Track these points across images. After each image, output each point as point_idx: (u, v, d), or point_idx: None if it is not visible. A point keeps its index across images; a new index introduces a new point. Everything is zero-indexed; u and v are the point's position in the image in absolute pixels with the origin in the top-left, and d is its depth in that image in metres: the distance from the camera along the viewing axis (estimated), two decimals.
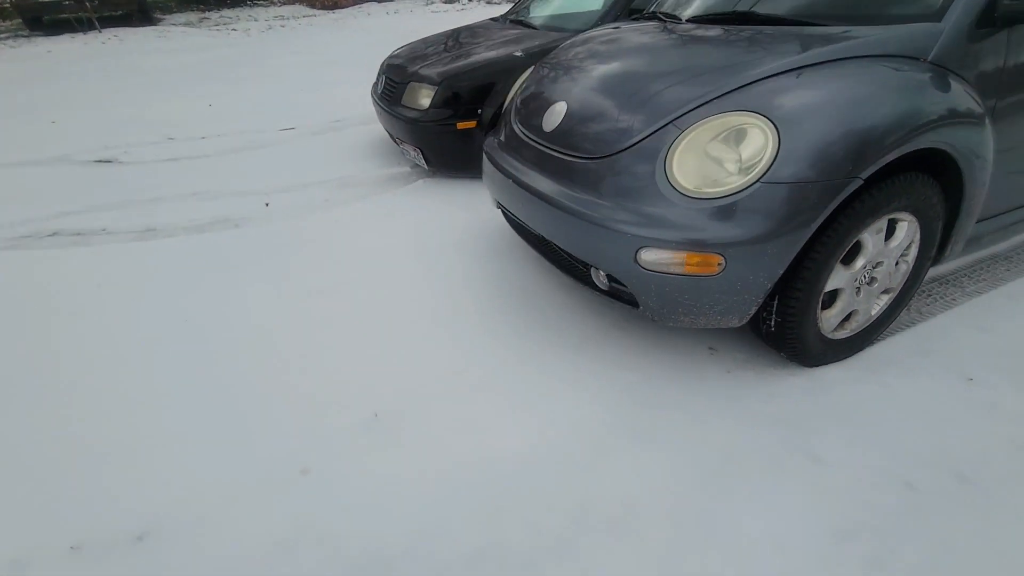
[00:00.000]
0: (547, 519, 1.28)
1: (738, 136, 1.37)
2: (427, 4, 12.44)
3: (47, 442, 1.53)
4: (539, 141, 1.84)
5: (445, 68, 3.09)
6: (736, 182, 1.34)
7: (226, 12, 13.10)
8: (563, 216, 1.62)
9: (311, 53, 7.57)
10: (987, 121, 1.49)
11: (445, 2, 12.38)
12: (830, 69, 1.43)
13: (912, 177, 1.44)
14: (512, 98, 2.25)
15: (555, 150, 1.75)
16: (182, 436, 1.54)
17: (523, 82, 2.27)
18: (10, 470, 1.45)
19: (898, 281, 1.66)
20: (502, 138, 2.14)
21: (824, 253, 1.41)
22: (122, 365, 1.83)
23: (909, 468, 1.35)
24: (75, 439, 1.53)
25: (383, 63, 3.74)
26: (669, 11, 2.19)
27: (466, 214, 2.87)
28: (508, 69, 2.99)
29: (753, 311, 1.49)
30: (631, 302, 1.62)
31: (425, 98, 3.08)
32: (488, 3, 11.71)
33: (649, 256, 1.43)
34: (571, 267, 1.82)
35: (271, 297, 2.18)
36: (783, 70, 1.46)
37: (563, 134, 1.75)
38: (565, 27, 3.33)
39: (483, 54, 3.15)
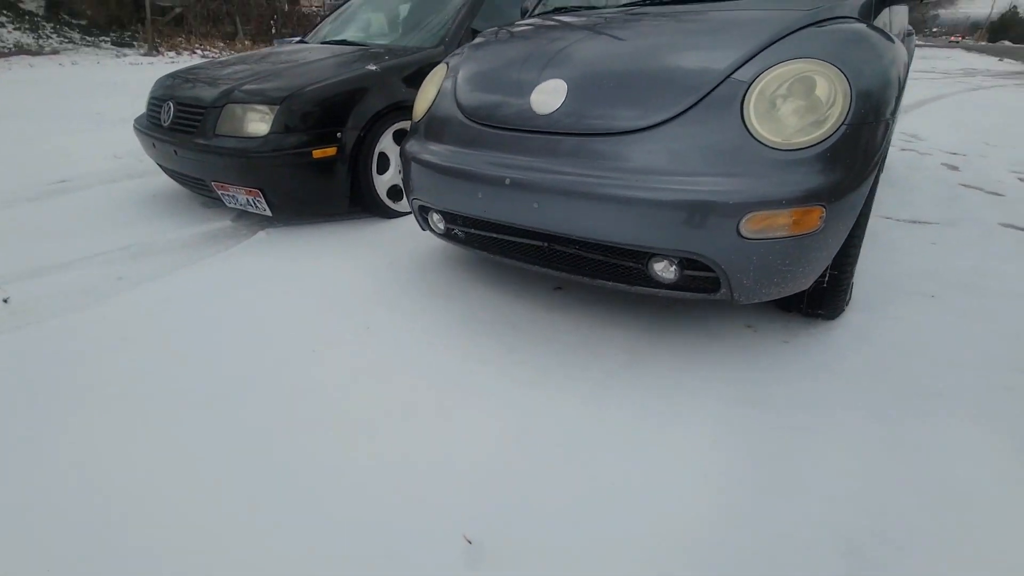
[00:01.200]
0: (813, 558, 0.93)
1: (806, 83, 1.31)
2: (119, 56, 10.21)
3: None
4: (532, 129, 1.50)
5: (280, 84, 2.42)
6: (822, 128, 1.27)
7: None
8: (610, 203, 1.32)
9: None
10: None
11: (145, 55, 10.37)
12: (818, 30, 1.50)
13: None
14: (437, 95, 1.83)
15: (567, 133, 1.44)
16: None
17: (442, 76, 1.87)
18: None
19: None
20: (441, 137, 1.71)
21: (872, 191, 1.45)
22: None
23: (994, 373, 1.44)
24: None
25: (155, 92, 2.78)
26: (577, 3, 2.11)
27: (361, 256, 2.24)
28: (366, 85, 2.50)
29: (827, 265, 1.44)
30: (706, 288, 1.40)
31: (259, 123, 2.34)
32: (203, 57, 10.26)
33: (753, 224, 1.25)
34: (603, 268, 1.51)
35: (141, 422, 1.25)
36: (784, 33, 1.46)
37: (574, 113, 1.45)
38: (400, 44, 3.00)
39: (323, 68, 2.58)
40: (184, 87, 2.65)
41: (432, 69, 2.04)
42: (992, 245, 2.34)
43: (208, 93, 2.47)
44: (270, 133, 2.31)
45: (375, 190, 2.62)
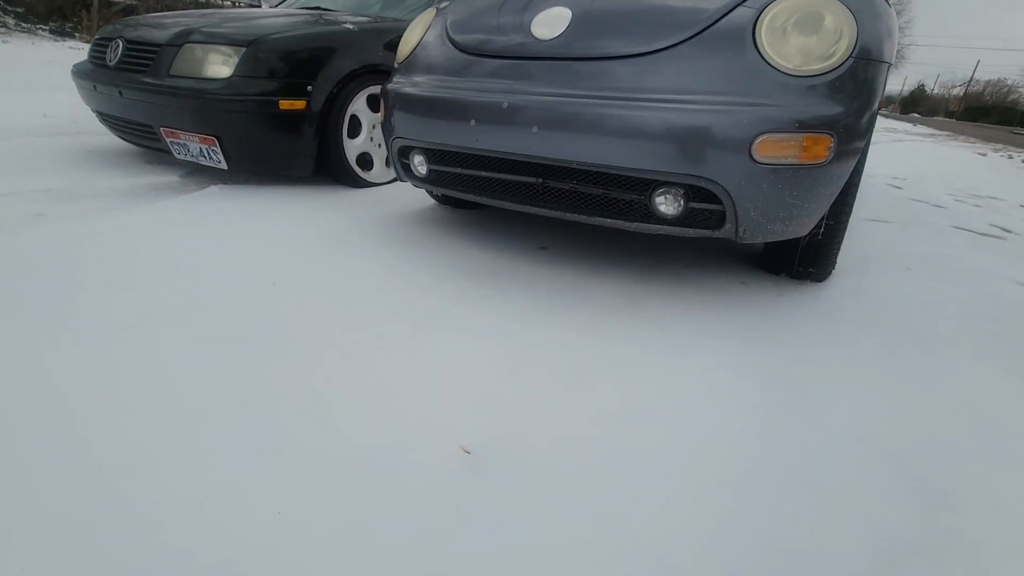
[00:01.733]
0: (855, 472, 0.84)
1: (814, 16, 1.30)
2: (57, 40, 9.54)
3: None
4: (532, 55, 1.43)
5: (248, 27, 2.25)
6: (832, 58, 1.26)
7: None
8: (618, 123, 1.25)
9: None
10: None
11: (87, 42, 9.76)
12: None
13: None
14: (424, 33, 1.73)
15: (572, 58, 1.37)
16: None
17: (431, 18, 1.78)
18: None
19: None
20: (435, 68, 1.61)
21: (867, 141, 1.45)
22: None
23: (979, 324, 1.45)
24: None
25: (105, 31, 2.54)
26: None
27: (326, 213, 2.07)
28: (343, 41, 2.37)
29: (825, 211, 1.42)
30: (710, 224, 1.34)
31: (222, 65, 2.16)
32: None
33: (765, 148, 1.20)
34: (602, 204, 1.42)
35: (67, 344, 1.02)
36: None
37: (579, 37, 1.39)
38: (382, 15, 2.90)
39: (296, 20, 2.44)
40: (137, 28, 2.43)
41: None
42: (946, 239, 2.45)
43: (164, 34, 2.27)
44: (233, 76, 2.13)
45: (344, 154, 2.46)
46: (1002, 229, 2.85)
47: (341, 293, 1.37)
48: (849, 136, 1.28)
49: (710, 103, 1.22)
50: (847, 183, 1.44)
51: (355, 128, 2.50)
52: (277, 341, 1.12)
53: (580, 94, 1.31)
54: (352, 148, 2.49)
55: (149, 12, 12.62)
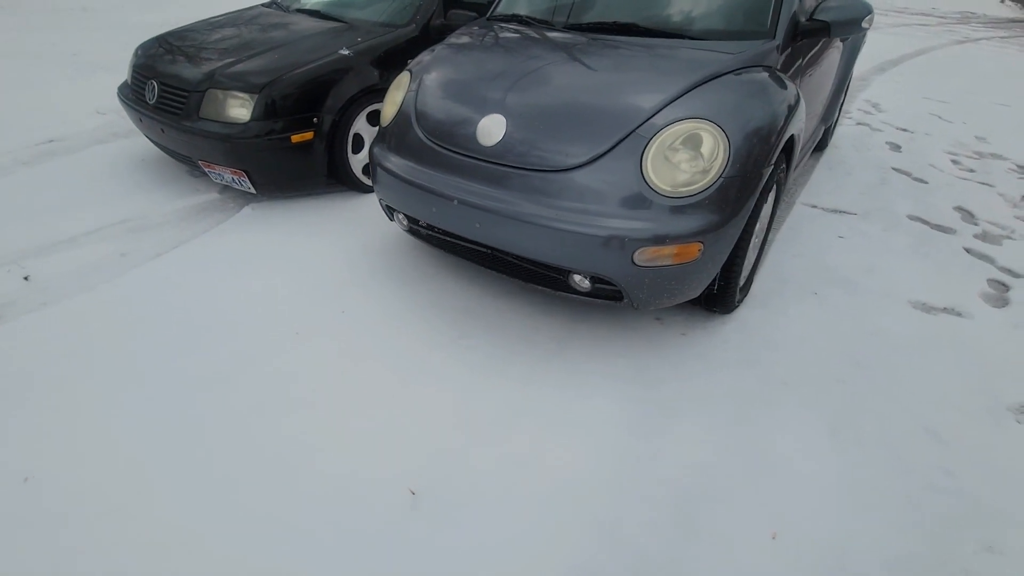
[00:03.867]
0: (653, 512, 1.36)
1: (694, 140, 1.59)
2: None
3: None
4: (477, 156, 1.77)
5: (258, 69, 2.58)
6: (704, 179, 1.57)
7: None
8: (543, 231, 1.63)
9: None
10: (803, 103, 2.03)
11: None
12: (727, 82, 1.76)
13: (780, 157, 1.91)
14: (403, 106, 2.05)
15: (505, 165, 1.72)
16: None
17: (406, 89, 2.09)
18: None
19: (763, 232, 2.19)
20: (404, 150, 1.97)
21: (751, 225, 1.78)
22: None
23: (830, 368, 1.86)
24: None
25: (137, 60, 2.90)
26: (535, 16, 2.29)
27: (334, 237, 2.54)
28: (340, 70, 2.68)
29: (711, 280, 1.79)
30: (614, 297, 1.75)
31: (241, 109, 2.54)
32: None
33: (643, 255, 1.58)
34: (536, 276, 1.84)
35: (150, 404, 1.61)
36: (697, 82, 1.73)
37: (511, 149, 1.72)
38: (372, 20, 3.10)
39: (297, 51, 2.72)
40: (166, 61, 2.78)
41: (399, 52, 2.36)
42: (890, 239, 2.69)
43: (191, 74, 2.63)
44: (250, 120, 2.51)
45: (351, 168, 2.86)
46: (964, 213, 3.01)
47: (347, 341, 1.90)
48: (721, 235, 1.63)
49: (603, 219, 1.58)
50: (733, 256, 1.79)
51: (358, 144, 2.87)
52: (302, 392, 1.67)
53: (509, 200, 1.68)
54: (356, 161, 2.89)
55: None
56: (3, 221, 2.51)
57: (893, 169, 3.57)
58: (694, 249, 1.60)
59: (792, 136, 1.94)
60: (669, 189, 1.57)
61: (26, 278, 2.17)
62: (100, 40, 5.25)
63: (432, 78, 2.04)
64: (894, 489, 1.45)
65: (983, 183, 3.48)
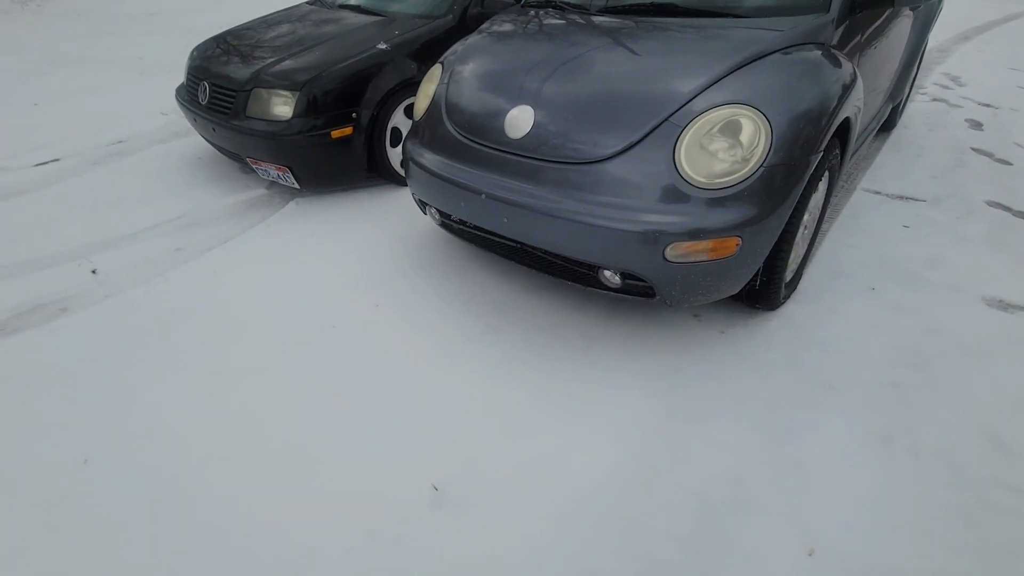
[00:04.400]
0: (674, 521, 1.31)
1: (732, 127, 1.50)
2: None
3: None
4: (505, 149, 1.74)
5: (299, 67, 2.65)
6: (743, 169, 1.48)
7: None
8: (568, 224, 1.58)
9: (15, 52, 5.69)
10: (860, 81, 1.87)
11: None
12: (773, 62, 1.64)
13: (833, 142, 1.77)
14: (434, 100, 2.05)
15: (533, 158, 1.68)
16: None
17: (438, 82, 2.08)
18: None
19: (814, 223, 2.04)
20: (434, 144, 1.96)
21: (798, 216, 1.66)
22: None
23: (884, 371, 1.72)
24: None
25: (192, 62, 3.04)
26: (574, 0, 2.22)
27: (373, 231, 2.58)
28: (378, 64, 2.70)
29: (752, 276, 1.69)
30: (646, 294, 1.69)
31: (284, 106, 2.61)
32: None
33: (676, 250, 1.50)
34: (567, 271, 1.80)
35: (190, 394, 1.70)
36: (738, 64, 1.62)
37: (538, 141, 1.68)
38: (410, 13, 3.10)
39: (337, 48, 2.77)
40: (218, 63, 2.90)
41: (436, 43, 2.41)
42: (963, 228, 2.46)
43: (238, 74, 2.73)
44: (293, 117, 2.59)
45: (389, 162, 2.90)
46: None
47: (380, 334, 1.93)
48: (761, 229, 1.53)
49: (633, 212, 1.52)
50: (777, 248, 1.68)
51: (397, 137, 2.90)
52: (331, 385, 1.72)
53: (537, 194, 1.64)
54: (395, 155, 2.92)
55: None
56: (75, 218, 2.72)
57: (972, 149, 3.25)
58: (731, 244, 1.51)
59: (847, 119, 1.79)
60: (704, 180, 1.49)
61: (94, 271, 2.34)
62: (163, 44, 5.55)
63: (462, 70, 2.02)
64: (949, 505, 1.32)
65: None
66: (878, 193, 2.78)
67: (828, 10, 1.79)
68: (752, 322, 1.93)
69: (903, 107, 3.61)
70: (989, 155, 3.18)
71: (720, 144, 1.50)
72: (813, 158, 1.57)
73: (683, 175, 1.50)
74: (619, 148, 1.56)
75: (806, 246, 2.05)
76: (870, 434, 1.51)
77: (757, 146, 1.48)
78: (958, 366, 1.73)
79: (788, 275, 1.96)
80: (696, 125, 1.51)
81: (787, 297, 2.01)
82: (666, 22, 1.92)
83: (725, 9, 1.91)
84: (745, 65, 1.64)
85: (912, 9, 2.66)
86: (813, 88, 1.59)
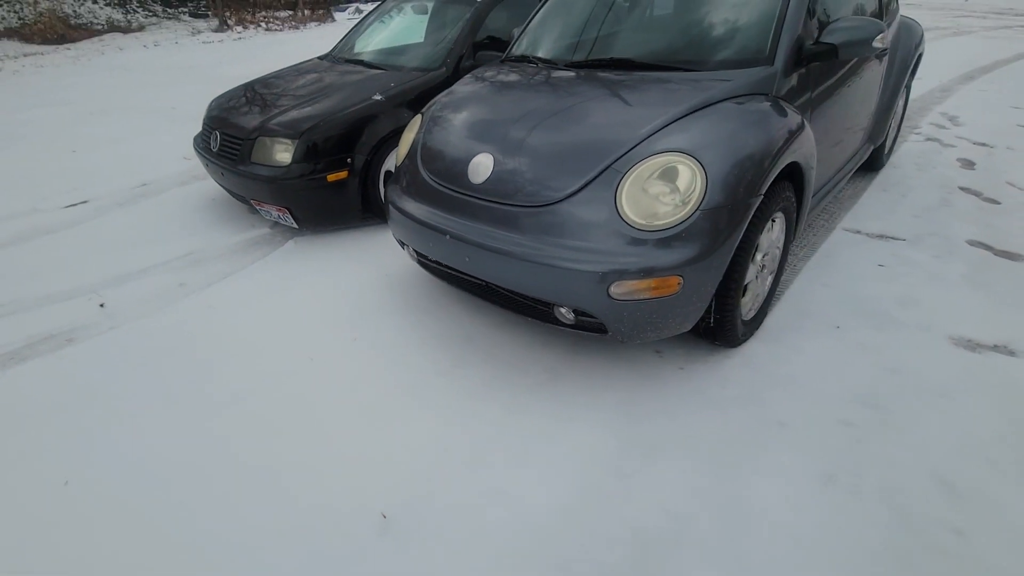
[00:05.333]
0: (609, 554, 1.34)
1: (670, 173, 1.59)
2: (194, 34, 11.05)
3: None
4: (468, 193, 1.86)
5: (300, 117, 2.87)
6: (681, 212, 1.56)
7: None
8: (521, 264, 1.68)
9: (66, 103, 6.21)
10: (808, 129, 1.95)
11: (216, 31, 11.15)
12: (715, 111, 1.74)
13: (782, 186, 1.84)
14: (412, 147, 2.21)
15: (491, 201, 1.80)
16: None
17: (416, 131, 2.24)
18: None
19: (775, 263, 2.09)
20: (410, 188, 2.10)
21: (744, 256, 1.72)
22: None
23: (837, 408, 1.73)
24: None
25: (208, 114, 3.31)
26: (542, 56, 2.38)
27: (363, 268, 2.72)
28: (373, 114, 2.91)
29: (701, 314, 1.75)
30: (599, 330, 1.75)
31: (284, 153, 2.82)
32: (267, 30, 10.88)
33: (620, 288, 1.58)
34: (525, 307, 1.88)
35: (172, 421, 1.81)
36: (682, 113, 1.73)
37: (497, 185, 1.80)
38: (408, 66, 3.34)
39: (336, 99, 2.99)
40: (229, 114, 3.15)
41: (429, 93, 2.54)
42: (940, 268, 2.46)
43: (245, 124, 2.97)
44: (292, 163, 2.79)
45: (383, 203, 3.06)
46: None
47: (357, 366, 2.03)
48: (702, 268, 1.59)
49: (580, 249, 1.60)
50: (725, 288, 1.74)
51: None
52: (301, 415, 1.81)
53: (494, 235, 1.74)
54: None
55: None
56: (94, 256, 2.94)
57: (960, 188, 3.25)
58: (673, 282, 1.58)
59: (797, 164, 1.86)
60: (644, 223, 1.57)
61: (102, 305, 2.53)
62: (196, 94, 5.99)
63: (437, 120, 2.18)
64: (887, 547, 1.32)
65: None
66: (858, 232, 2.81)
67: (773, 63, 1.90)
68: (712, 359, 1.97)
69: (891, 148, 3.65)
70: (977, 194, 3.18)
71: (660, 189, 1.59)
72: (753, 200, 1.64)
73: (624, 218, 1.59)
74: (567, 192, 1.67)
75: (768, 285, 2.09)
76: (814, 473, 1.52)
77: (694, 191, 1.56)
78: (915, 406, 1.73)
79: (750, 313, 2.01)
80: (636, 171, 1.61)
81: (749, 335, 2.04)
82: (624, 76, 2.05)
83: (677, 63, 2.03)
84: (691, 114, 1.75)
85: (878, 58, 2.75)
86: (753, 135, 1.68)
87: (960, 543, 1.32)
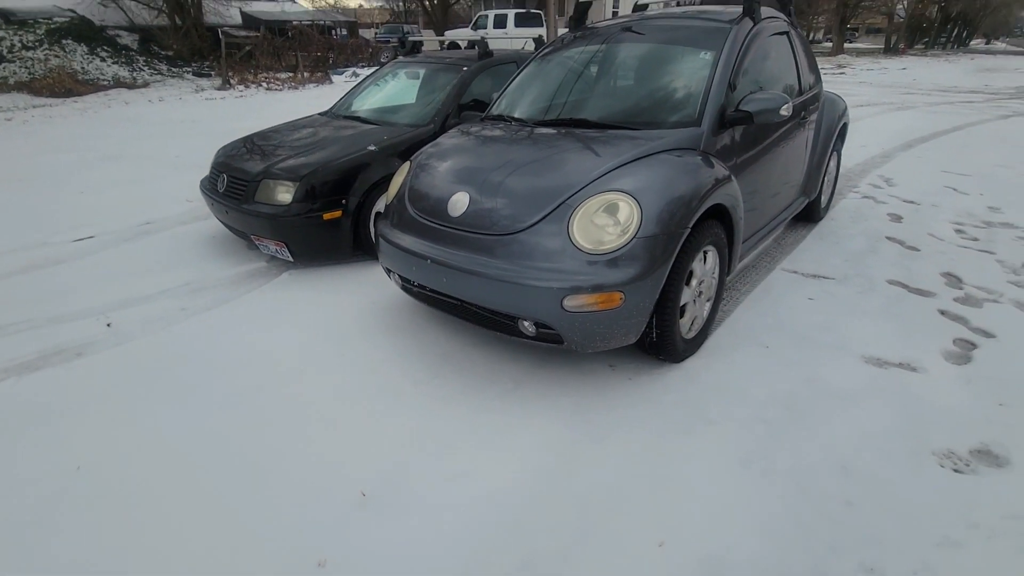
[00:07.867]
0: (560, 517, 1.56)
1: (612, 208, 1.94)
2: (197, 91, 11.70)
3: None
4: (447, 225, 2.19)
5: (301, 163, 3.22)
6: (621, 239, 1.90)
7: None
8: (490, 283, 1.98)
9: (74, 150, 6.58)
10: (733, 179, 2.34)
11: (219, 89, 11.81)
12: (652, 160, 2.12)
13: (711, 223, 2.20)
14: (400, 188, 2.55)
15: (467, 231, 2.12)
16: None
17: (405, 175, 2.59)
18: None
19: (713, 291, 2.42)
20: (398, 223, 2.42)
21: (677, 279, 2.05)
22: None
23: (760, 410, 2.01)
24: None
25: (216, 159, 3.66)
26: (516, 115, 2.80)
27: (351, 297, 2.99)
28: (367, 163, 3.28)
29: (643, 328, 2.05)
30: (556, 340, 2.04)
31: (285, 193, 3.15)
32: (268, 90, 11.57)
33: (571, 302, 1.88)
34: (494, 322, 2.17)
35: (171, 421, 2.02)
36: (626, 161, 2.11)
37: (472, 218, 2.13)
38: (400, 122, 3.76)
39: (335, 148, 3.37)
40: (236, 160, 3.51)
41: (417, 146, 2.86)
42: (861, 301, 2.81)
43: (250, 168, 3.31)
44: (292, 202, 3.12)
45: (372, 241, 3.38)
46: (951, 279, 3.07)
47: (344, 377, 2.27)
48: (640, 286, 1.91)
49: (539, 269, 1.92)
50: (662, 308, 2.05)
51: None
52: (290, 417, 2.04)
53: (467, 258, 2.06)
54: None
55: (264, 54, 14.61)
56: (100, 283, 3.18)
57: (887, 238, 3.68)
58: (616, 297, 1.89)
59: (722, 205, 2.23)
60: (591, 247, 1.91)
61: (108, 325, 2.75)
62: (197, 145, 6.41)
63: (424, 166, 2.54)
64: (788, 514, 1.57)
65: (984, 251, 3.51)
66: (795, 272, 3.18)
67: (700, 124, 2.31)
68: (658, 372, 2.25)
69: (829, 203, 4.11)
70: (901, 243, 3.60)
71: (605, 220, 1.94)
72: (682, 231, 1.99)
73: (575, 244, 1.92)
74: (529, 223, 2.00)
75: (708, 310, 2.41)
76: (735, 458, 1.78)
77: (632, 223, 1.91)
78: (825, 408, 2.02)
79: (691, 333, 2.32)
80: (585, 206, 1.96)
81: (691, 352, 2.34)
82: (581, 132, 2.45)
83: (623, 123, 2.45)
84: (632, 162, 2.12)
85: (802, 123, 3.22)
86: (682, 180, 2.06)
87: (849, 511, 1.58)
